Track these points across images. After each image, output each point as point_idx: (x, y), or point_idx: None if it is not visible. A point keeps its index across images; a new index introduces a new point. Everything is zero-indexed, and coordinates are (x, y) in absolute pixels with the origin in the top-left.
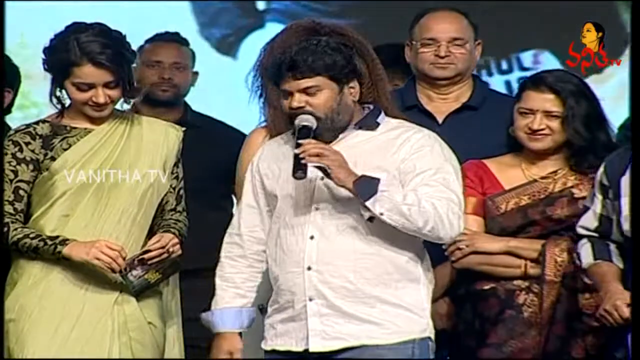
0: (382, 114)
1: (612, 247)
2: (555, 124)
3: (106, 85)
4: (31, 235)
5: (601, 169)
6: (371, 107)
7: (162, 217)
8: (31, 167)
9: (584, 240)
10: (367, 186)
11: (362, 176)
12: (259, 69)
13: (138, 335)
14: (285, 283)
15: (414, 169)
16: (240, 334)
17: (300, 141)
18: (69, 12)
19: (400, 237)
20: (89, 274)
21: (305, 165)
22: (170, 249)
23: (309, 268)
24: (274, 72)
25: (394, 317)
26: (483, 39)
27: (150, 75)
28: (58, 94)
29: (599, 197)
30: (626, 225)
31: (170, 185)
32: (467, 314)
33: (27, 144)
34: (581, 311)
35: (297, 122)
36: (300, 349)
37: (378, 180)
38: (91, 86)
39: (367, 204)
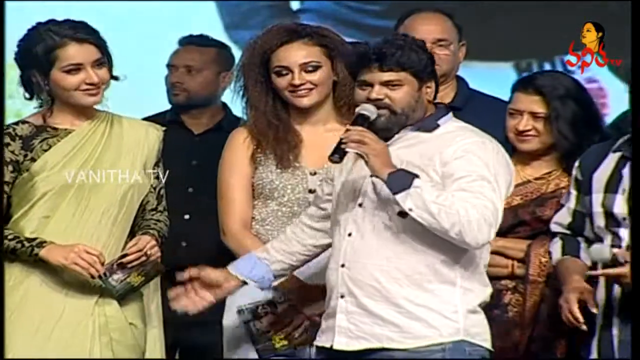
0: (448, 115)
1: (583, 244)
2: (541, 125)
3: (95, 64)
4: (9, 237)
5: (576, 164)
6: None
7: (143, 217)
8: (11, 168)
9: (556, 238)
10: (400, 179)
11: (400, 169)
12: (241, 69)
13: (119, 336)
14: (328, 279)
15: (453, 173)
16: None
17: (349, 127)
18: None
19: (436, 238)
20: (70, 275)
21: (344, 151)
22: (149, 252)
23: (343, 265)
24: (355, 61)
25: (417, 320)
26: (522, 38)
27: (167, 80)
28: (46, 88)
29: (573, 192)
30: (600, 221)
31: (151, 185)
32: None
33: (6, 145)
34: None
35: (358, 109)
36: (328, 344)
37: (415, 175)
38: (80, 67)
39: (397, 197)
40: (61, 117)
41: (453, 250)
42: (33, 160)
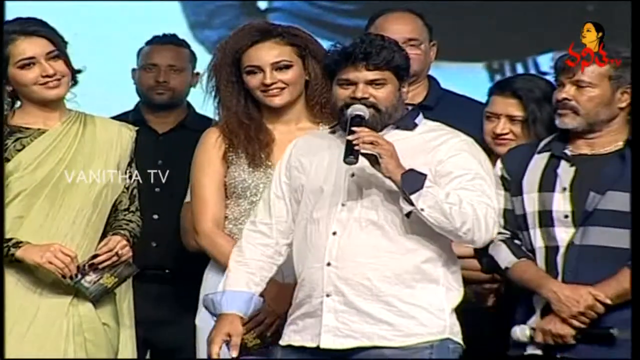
0: (421, 115)
1: (523, 247)
2: (517, 128)
3: (49, 57)
4: None
5: (499, 164)
6: (410, 108)
7: (115, 218)
8: None
9: (496, 242)
10: (414, 180)
11: (410, 170)
12: (213, 69)
13: (93, 336)
14: (306, 278)
15: (451, 171)
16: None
17: (354, 128)
18: (62, 12)
19: (422, 237)
20: (44, 275)
21: (358, 152)
22: (120, 252)
23: (329, 264)
24: (337, 60)
25: (408, 318)
26: (494, 39)
27: (147, 79)
28: (9, 88)
29: (500, 192)
30: (533, 221)
31: (124, 185)
32: None
33: None
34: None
35: (350, 110)
36: (313, 344)
37: (425, 176)
38: (33, 61)
39: (412, 197)
40: (33, 117)
41: (436, 249)
42: (7, 160)
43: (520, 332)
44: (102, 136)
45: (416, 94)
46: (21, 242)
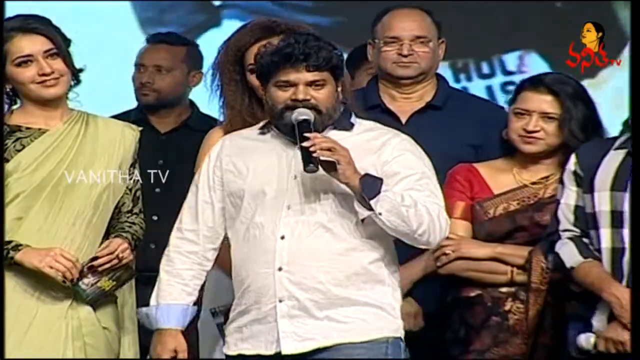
0: (353, 115)
1: (591, 246)
2: (550, 126)
3: (47, 55)
4: None
5: (573, 159)
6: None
7: (118, 220)
8: None
9: (564, 240)
10: (372, 185)
11: (366, 174)
12: (217, 68)
13: (92, 340)
14: (253, 284)
15: (398, 172)
16: (182, 333)
17: (307, 134)
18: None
19: (370, 238)
20: (42, 278)
21: (317, 158)
22: (120, 255)
23: (280, 269)
24: (270, 61)
25: (365, 315)
26: (459, 38)
27: (136, 79)
28: (8, 87)
29: (572, 188)
30: (603, 220)
31: (127, 187)
32: (454, 322)
33: None
34: (568, 319)
35: (295, 115)
36: (270, 352)
37: (381, 180)
38: (31, 59)
39: (371, 202)
40: (34, 116)
41: (381, 250)
42: (6, 160)
43: (585, 340)
44: (105, 136)
45: (424, 93)
46: (20, 244)
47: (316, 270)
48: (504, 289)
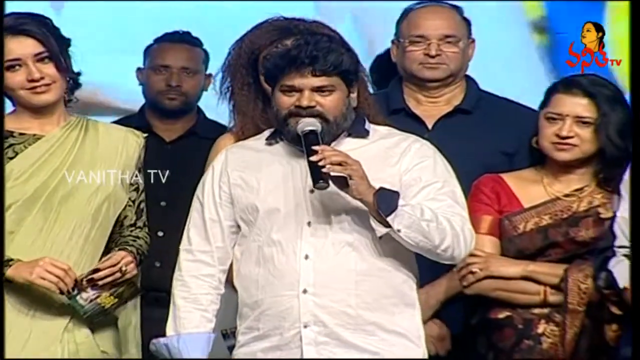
0: (367, 121)
1: None
2: (585, 132)
3: (37, 59)
4: None
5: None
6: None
7: (120, 234)
8: None
9: (620, 257)
10: (388, 200)
11: (381, 188)
12: (228, 71)
13: None
14: (273, 308)
15: (418, 181)
16: None
17: (315, 147)
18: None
19: (397, 256)
20: (36, 297)
21: (327, 174)
22: (123, 268)
23: (305, 291)
24: (275, 65)
25: (391, 346)
26: None
27: (157, 82)
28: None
29: (626, 197)
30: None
31: (130, 198)
32: (480, 346)
33: None
34: (608, 345)
35: (300, 126)
36: None
37: (398, 194)
38: (19, 62)
39: (389, 219)
40: (28, 122)
41: (406, 268)
42: None
43: None
44: (105, 142)
45: (453, 96)
46: (12, 259)
47: (345, 292)
48: (536, 310)
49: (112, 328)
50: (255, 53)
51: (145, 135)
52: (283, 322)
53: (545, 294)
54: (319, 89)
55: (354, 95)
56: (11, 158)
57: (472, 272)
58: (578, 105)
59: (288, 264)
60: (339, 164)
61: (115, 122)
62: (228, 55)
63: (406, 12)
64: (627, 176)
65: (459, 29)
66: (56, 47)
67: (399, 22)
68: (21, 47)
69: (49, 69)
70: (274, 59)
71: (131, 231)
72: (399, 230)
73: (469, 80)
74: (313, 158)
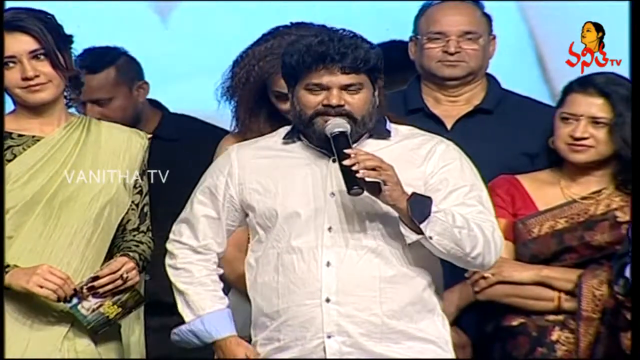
0: (387, 121)
1: None
2: (600, 133)
3: (32, 56)
4: None
5: None
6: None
7: (123, 239)
8: None
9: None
10: (421, 206)
11: (414, 194)
12: (232, 94)
13: None
14: (295, 318)
15: (446, 185)
16: None
17: (347, 151)
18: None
19: (422, 262)
20: (34, 305)
21: (362, 179)
22: (125, 275)
23: (327, 300)
24: (301, 61)
25: (419, 353)
26: None
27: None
28: None
29: None
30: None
31: (133, 202)
32: (495, 354)
33: None
34: (624, 352)
35: (329, 127)
36: None
37: (431, 200)
38: (14, 60)
39: (421, 226)
40: (27, 122)
41: (431, 274)
42: None
43: None
44: (108, 143)
45: (473, 95)
46: (8, 266)
47: (370, 300)
48: (550, 317)
49: (114, 336)
50: (265, 79)
51: (150, 135)
52: (305, 332)
53: (559, 300)
54: (347, 87)
55: (377, 93)
56: (9, 160)
57: (484, 277)
58: (593, 105)
59: (309, 272)
60: (374, 169)
61: None
62: (232, 76)
63: (424, 8)
64: None
65: (480, 25)
66: (53, 44)
67: (416, 19)
68: (16, 43)
69: (45, 66)
70: (297, 56)
71: (134, 236)
72: (430, 237)
73: (490, 78)
74: (346, 162)
